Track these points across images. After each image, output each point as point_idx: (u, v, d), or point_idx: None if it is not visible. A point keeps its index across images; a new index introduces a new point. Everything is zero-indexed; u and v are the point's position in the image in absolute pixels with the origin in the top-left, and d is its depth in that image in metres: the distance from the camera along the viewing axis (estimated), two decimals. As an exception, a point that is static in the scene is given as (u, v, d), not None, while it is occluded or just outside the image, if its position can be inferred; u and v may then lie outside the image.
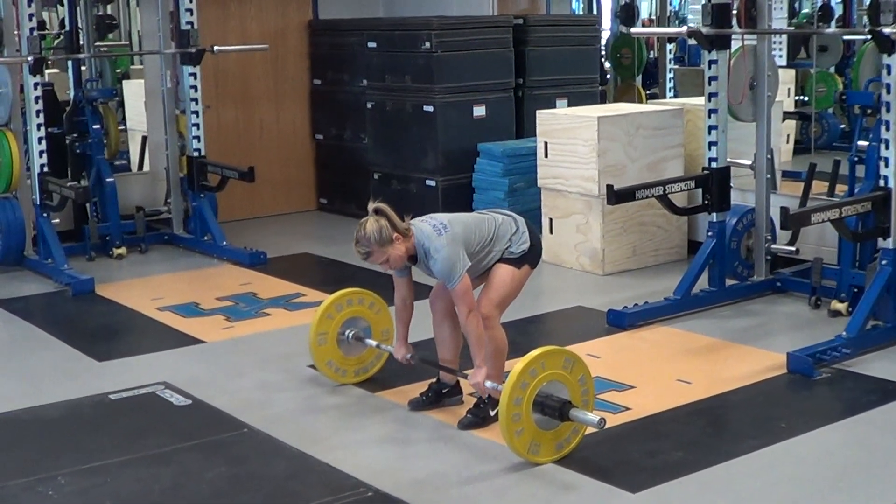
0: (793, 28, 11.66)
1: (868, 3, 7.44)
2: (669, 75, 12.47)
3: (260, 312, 8.23)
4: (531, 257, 5.83)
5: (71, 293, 8.71)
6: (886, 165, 6.98)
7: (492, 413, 5.79)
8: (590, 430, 5.46)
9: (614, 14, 13.39)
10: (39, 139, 9.14)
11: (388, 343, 6.49)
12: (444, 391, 6.09)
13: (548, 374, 5.34)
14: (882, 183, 7.02)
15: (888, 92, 6.88)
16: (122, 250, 9.93)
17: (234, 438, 5.76)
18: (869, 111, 7.51)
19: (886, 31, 6.72)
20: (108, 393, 6.41)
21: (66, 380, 6.83)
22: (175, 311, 8.25)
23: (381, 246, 5.57)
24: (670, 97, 12.09)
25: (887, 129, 6.92)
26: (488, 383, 5.62)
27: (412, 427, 5.96)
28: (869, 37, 7.04)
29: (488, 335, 5.75)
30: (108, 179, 9.95)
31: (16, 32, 9.26)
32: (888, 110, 6.90)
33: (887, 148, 6.94)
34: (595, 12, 13.88)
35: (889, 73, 6.84)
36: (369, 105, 11.13)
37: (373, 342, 6.47)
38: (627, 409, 6.11)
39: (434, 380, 6.13)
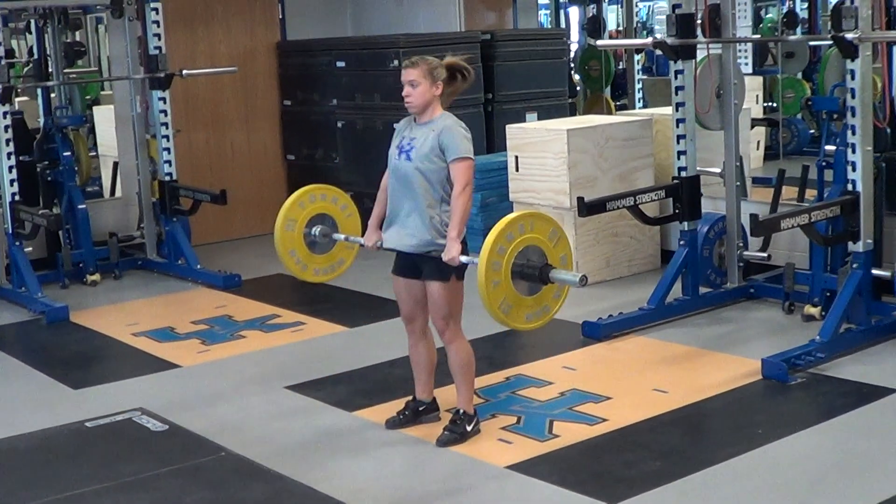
0: (757, 36, 11.73)
1: (831, 8, 7.51)
2: (638, 86, 12.52)
3: (235, 335, 8.22)
4: (456, 266, 5.67)
5: (45, 321, 8.68)
6: (854, 169, 7.02)
7: (469, 428, 5.81)
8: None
9: (582, 26, 13.47)
10: (10, 167, 9.11)
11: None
12: (420, 409, 6.09)
13: (522, 239, 5.28)
14: (850, 187, 7.07)
15: (853, 96, 6.92)
16: (96, 277, 9.91)
17: (212, 462, 5.76)
18: (835, 116, 7.55)
19: (849, 36, 6.77)
20: (85, 421, 6.40)
21: (41, 409, 6.80)
22: (150, 337, 8.23)
23: (428, 73, 5.68)
24: (639, 108, 12.15)
25: (853, 133, 6.97)
26: (463, 258, 5.53)
27: (390, 446, 5.95)
28: (832, 42, 7.08)
29: (453, 348, 5.79)
30: (80, 206, 9.92)
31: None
32: (853, 115, 6.95)
33: (854, 152, 6.99)
34: (563, 25, 13.95)
35: (853, 77, 6.89)
36: (340, 124, 11.16)
37: (341, 236, 6.33)
38: (604, 420, 6.12)
39: (410, 398, 6.13)
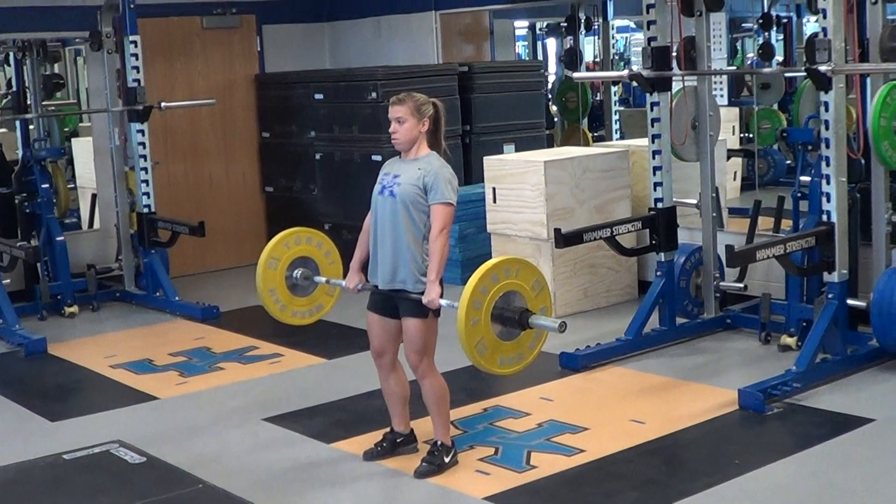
0: (732, 68, 11.80)
1: (805, 41, 7.56)
2: (615, 117, 12.57)
3: (213, 367, 8.22)
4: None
5: (23, 353, 8.65)
6: (828, 200, 7.07)
7: (446, 460, 5.82)
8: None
9: (559, 58, 13.53)
10: (-12, 200, 9.12)
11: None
12: (398, 440, 6.09)
13: (506, 283, 5.30)
14: (825, 217, 7.11)
15: (827, 128, 6.98)
16: (74, 309, 9.90)
17: (190, 495, 5.72)
18: (810, 147, 7.60)
19: (822, 68, 6.83)
20: (62, 453, 6.35)
21: (18, 441, 6.79)
22: (128, 369, 8.22)
23: (415, 110, 5.70)
24: (617, 139, 12.20)
25: (828, 164, 7.02)
26: (443, 301, 5.55)
27: (368, 478, 5.95)
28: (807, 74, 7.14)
29: (426, 383, 5.80)
30: (58, 238, 9.92)
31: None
32: (828, 146, 7.00)
33: (828, 183, 7.04)
34: (540, 57, 14.02)
35: (827, 109, 6.95)
36: (318, 156, 11.18)
37: (322, 278, 6.34)
38: (582, 450, 6.13)
39: (388, 429, 6.14)
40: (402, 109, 5.70)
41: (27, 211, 10.02)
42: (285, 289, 6.32)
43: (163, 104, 10.10)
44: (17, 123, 10.31)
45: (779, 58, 11.85)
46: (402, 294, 5.70)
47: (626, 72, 8.75)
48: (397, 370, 5.99)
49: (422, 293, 5.61)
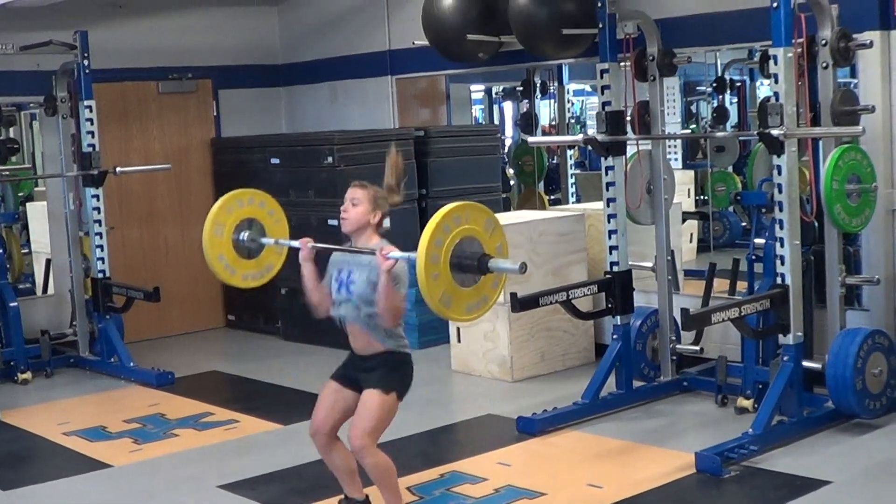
0: (686, 132, 11.90)
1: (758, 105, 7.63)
2: (571, 180, 12.63)
3: (168, 433, 8.14)
4: (399, 383, 5.66)
5: (-25, 421, 8.57)
6: (783, 263, 7.11)
7: (403, 526, 5.77)
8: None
9: (515, 122, 13.61)
10: (-60, 266, 9.05)
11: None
12: (354, 507, 6.04)
13: (459, 231, 5.25)
14: (780, 280, 7.15)
15: (780, 191, 7.03)
16: (28, 375, 9.80)
17: (143, 564, 5.68)
18: (764, 210, 7.65)
19: (774, 132, 6.89)
20: (14, 524, 6.31)
21: (-31, 512, 6.71)
22: (82, 436, 8.14)
23: (372, 199, 5.69)
24: (573, 202, 12.25)
25: (781, 227, 7.06)
26: (397, 253, 5.41)
27: (324, 544, 5.92)
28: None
29: (369, 463, 5.59)
30: (11, 304, 9.83)
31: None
32: (781, 209, 7.05)
33: (783, 246, 7.08)
34: (496, 121, 14.09)
35: (780, 173, 7.00)
36: (275, 220, 11.14)
37: (270, 240, 6.28)
38: (539, 516, 6.11)
39: (342, 497, 6.08)
40: (361, 194, 5.70)
41: (-20, 276, 9.96)
42: (233, 253, 6.26)
43: (118, 169, 10.05)
44: (-29, 188, 10.26)
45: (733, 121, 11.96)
46: (376, 361, 5.65)
47: (580, 136, 8.82)
48: (336, 445, 5.83)
49: (394, 365, 5.61)
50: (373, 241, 5.68)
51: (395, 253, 5.45)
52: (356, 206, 5.68)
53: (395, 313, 5.47)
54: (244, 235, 6.24)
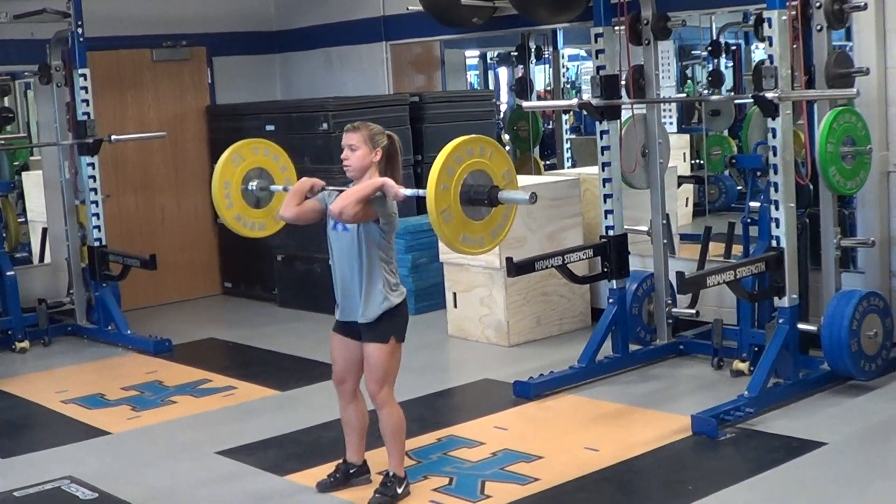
0: (681, 96, 11.87)
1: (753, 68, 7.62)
2: (567, 145, 12.62)
3: (166, 400, 8.16)
4: (395, 328, 5.75)
5: (-27, 390, 8.59)
6: (778, 226, 7.12)
7: (399, 491, 5.80)
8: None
9: (510, 87, 13.58)
10: (-64, 236, 9.04)
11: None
12: (351, 471, 6.06)
13: (477, 161, 5.33)
14: (774, 243, 7.16)
15: (775, 154, 7.03)
16: (25, 344, 9.82)
17: (142, 530, 5.71)
18: (759, 173, 7.65)
19: (769, 95, 6.89)
20: (13, 490, 6.32)
21: (-32, 479, 6.72)
22: (80, 404, 8.16)
23: (368, 139, 5.69)
24: (568, 167, 12.24)
25: (776, 190, 7.07)
26: (407, 191, 5.56)
27: (322, 509, 5.94)
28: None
29: (385, 413, 5.78)
30: (8, 273, 9.84)
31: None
32: (776, 172, 7.05)
33: (777, 209, 7.09)
34: (491, 86, 14.06)
35: (774, 136, 7.00)
36: (270, 187, 11.14)
37: (279, 186, 6.35)
38: (536, 479, 6.12)
39: (341, 460, 6.11)
40: (356, 137, 5.71)
41: (-24, 246, 9.96)
42: (243, 203, 6.36)
43: (113, 137, 10.03)
44: (-34, 158, 10.24)
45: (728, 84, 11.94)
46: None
47: (575, 100, 8.79)
48: (358, 400, 5.96)
49: (387, 312, 5.66)
50: (375, 174, 5.74)
51: (408, 191, 5.57)
52: (355, 150, 5.70)
53: (348, 210, 5.54)
54: (253, 185, 6.33)
